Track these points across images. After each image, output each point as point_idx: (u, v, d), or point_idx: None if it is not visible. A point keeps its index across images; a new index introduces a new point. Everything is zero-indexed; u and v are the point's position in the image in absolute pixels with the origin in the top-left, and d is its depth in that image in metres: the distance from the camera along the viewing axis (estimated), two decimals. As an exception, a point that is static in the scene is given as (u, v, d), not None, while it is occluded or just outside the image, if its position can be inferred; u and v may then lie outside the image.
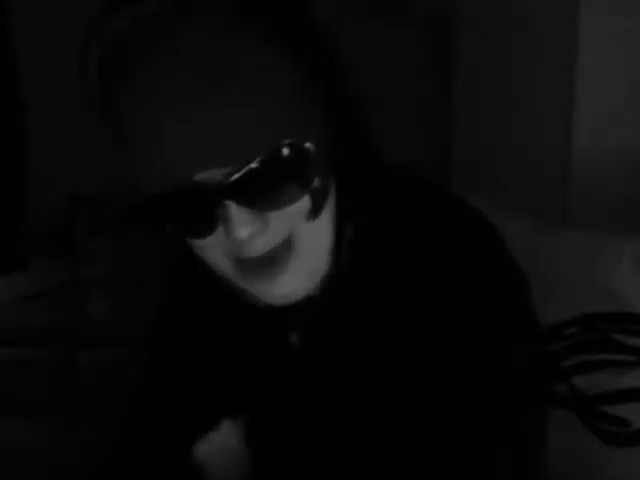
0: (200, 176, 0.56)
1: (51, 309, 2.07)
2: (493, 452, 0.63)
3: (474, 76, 2.06)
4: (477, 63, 2.03)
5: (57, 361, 1.91)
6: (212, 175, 0.56)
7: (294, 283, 0.62)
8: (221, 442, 0.74)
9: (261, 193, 0.57)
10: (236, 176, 0.56)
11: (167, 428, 0.78)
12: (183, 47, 0.55)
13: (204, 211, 0.58)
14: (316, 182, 0.60)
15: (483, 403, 0.63)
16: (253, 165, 0.56)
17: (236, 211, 0.57)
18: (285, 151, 0.57)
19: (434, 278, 0.64)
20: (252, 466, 0.74)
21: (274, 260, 0.60)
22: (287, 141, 0.57)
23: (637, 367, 1.20)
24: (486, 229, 0.66)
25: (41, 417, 1.71)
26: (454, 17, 2.15)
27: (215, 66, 0.55)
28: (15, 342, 1.98)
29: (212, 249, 0.61)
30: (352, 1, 2.39)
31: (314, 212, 0.61)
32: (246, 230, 0.57)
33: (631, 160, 1.59)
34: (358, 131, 0.64)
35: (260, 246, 0.59)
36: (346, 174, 0.63)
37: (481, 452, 0.63)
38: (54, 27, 2.25)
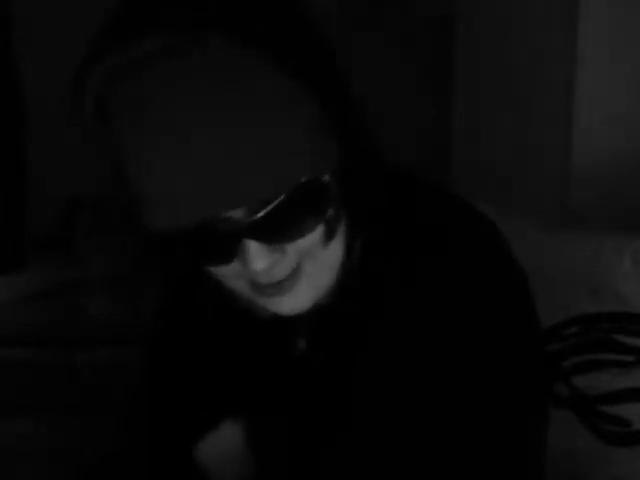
0: (220, 215, 0.56)
1: (51, 309, 2.08)
2: (493, 454, 0.63)
3: (474, 76, 2.06)
4: (477, 63, 2.03)
5: (57, 361, 1.91)
6: (232, 214, 0.56)
7: (305, 298, 0.63)
8: (223, 443, 0.74)
9: (280, 229, 0.58)
10: (257, 216, 0.56)
11: (168, 428, 0.78)
12: (191, 88, 0.53)
13: (222, 245, 0.58)
14: (331, 211, 0.60)
15: (484, 406, 0.62)
16: (274, 204, 0.56)
17: (255, 246, 0.57)
18: (304, 187, 0.57)
19: (437, 281, 0.64)
20: (254, 467, 0.74)
21: (287, 280, 0.61)
22: (306, 177, 0.56)
23: (637, 367, 1.21)
24: (488, 229, 0.66)
25: (41, 417, 1.71)
26: (454, 17, 2.15)
27: (230, 107, 0.53)
28: (15, 342, 1.98)
29: (225, 271, 0.61)
30: (352, 1, 2.39)
31: (328, 237, 0.61)
32: (264, 263, 0.57)
33: (631, 161, 1.59)
34: (370, 155, 0.64)
35: (277, 274, 0.60)
36: (358, 197, 0.63)
37: (482, 454, 0.63)
38: (55, 27, 2.25)
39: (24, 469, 1.56)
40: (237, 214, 0.56)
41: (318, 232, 0.60)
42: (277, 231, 0.57)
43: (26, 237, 2.23)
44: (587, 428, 1.15)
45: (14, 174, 2.19)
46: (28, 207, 2.22)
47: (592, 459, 1.13)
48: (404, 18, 2.40)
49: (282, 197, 0.56)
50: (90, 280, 2.17)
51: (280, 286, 0.61)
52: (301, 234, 0.59)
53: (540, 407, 0.68)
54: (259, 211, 0.56)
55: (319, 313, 0.66)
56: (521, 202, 1.79)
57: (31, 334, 2.01)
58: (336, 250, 0.63)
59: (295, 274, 0.61)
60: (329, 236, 0.61)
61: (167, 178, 0.54)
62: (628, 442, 1.13)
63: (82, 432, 1.60)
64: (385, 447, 0.64)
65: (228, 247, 0.58)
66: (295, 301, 0.62)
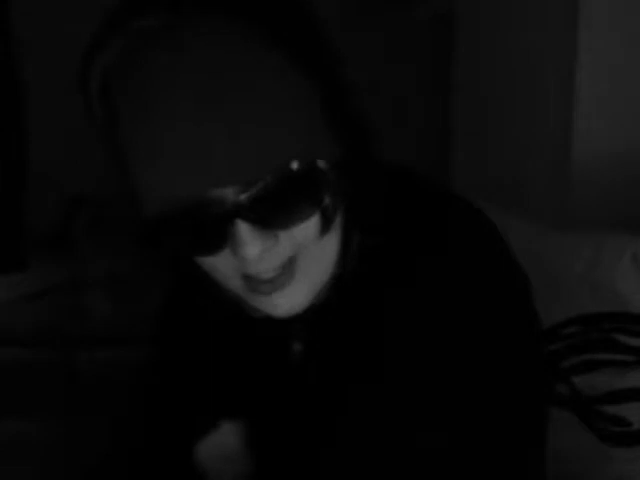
0: (210, 194, 0.55)
1: (51, 309, 2.08)
2: (494, 454, 0.63)
3: (474, 76, 2.06)
4: (477, 63, 2.03)
5: (57, 361, 1.91)
6: (222, 193, 0.56)
7: (299, 297, 0.62)
8: (222, 444, 0.74)
9: (272, 212, 0.57)
10: (247, 194, 0.55)
11: (167, 429, 0.78)
12: (188, 63, 0.53)
13: (214, 229, 0.57)
14: (327, 200, 0.59)
15: (485, 407, 0.62)
16: (264, 183, 0.55)
17: (246, 229, 0.56)
18: (297, 169, 0.56)
19: (437, 282, 0.63)
20: (252, 468, 0.74)
21: (280, 276, 0.60)
22: (299, 159, 0.56)
23: (637, 367, 1.20)
24: (488, 230, 0.66)
25: (41, 417, 1.72)
26: (454, 17, 2.15)
27: (224, 82, 0.53)
28: (15, 342, 1.98)
29: (219, 265, 0.60)
30: (352, 1, 2.39)
31: (324, 229, 0.60)
32: (255, 248, 0.56)
33: (631, 161, 1.59)
34: (367, 147, 0.64)
35: (269, 264, 0.59)
36: (356, 190, 0.63)
37: (482, 455, 0.63)
38: (55, 26, 2.25)
39: (23, 469, 1.56)
40: (228, 195, 0.56)
41: (313, 222, 0.59)
42: (268, 213, 0.56)
43: (26, 237, 2.23)
44: (587, 428, 1.15)
45: (14, 173, 2.19)
46: (28, 207, 2.22)
47: (592, 459, 1.12)
48: (404, 18, 2.40)
49: (271, 179, 0.55)
50: (90, 280, 2.17)
51: (274, 283, 0.60)
52: (294, 221, 0.58)
53: (540, 407, 0.68)
54: (247, 191, 0.55)
55: (315, 314, 0.65)
56: (521, 202, 1.79)
57: (31, 334, 2.01)
58: (331, 245, 0.62)
59: (289, 270, 0.60)
60: (324, 228, 0.60)
61: (158, 158, 0.54)
62: (628, 442, 1.13)
63: (82, 432, 1.60)
64: (384, 448, 0.64)
65: (219, 230, 0.57)
66: (291, 300, 0.61)
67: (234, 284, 0.62)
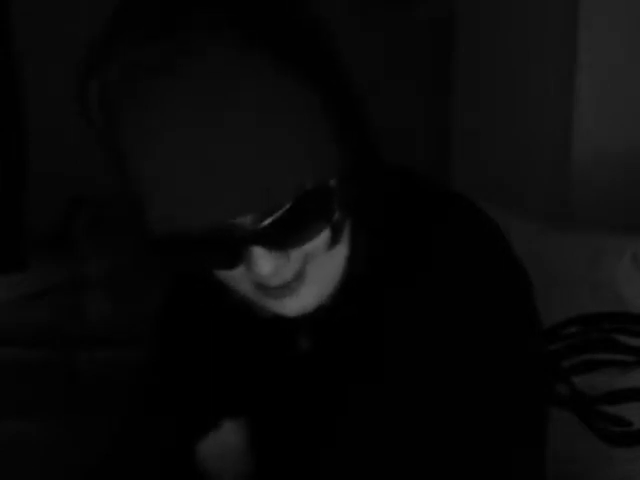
0: (225, 222, 0.56)
1: (51, 309, 2.07)
2: (494, 454, 0.63)
3: (474, 76, 2.06)
4: (477, 63, 2.03)
5: (57, 361, 1.91)
6: (238, 221, 0.56)
7: (309, 298, 0.62)
8: (223, 443, 0.74)
9: (286, 236, 0.57)
10: (264, 224, 0.56)
11: (167, 428, 0.78)
12: (195, 89, 0.53)
13: (227, 251, 0.58)
14: (336, 215, 0.60)
15: (486, 407, 0.63)
16: (280, 212, 0.56)
17: (261, 252, 0.57)
18: (311, 194, 0.56)
19: (440, 283, 0.64)
20: (254, 467, 0.74)
21: (292, 284, 0.61)
22: (313, 183, 0.56)
23: (637, 367, 1.20)
24: (489, 229, 0.66)
25: (41, 417, 1.71)
26: (454, 17, 2.15)
27: (235, 109, 0.53)
28: (15, 342, 1.98)
29: (228, 273, 0.61)
30: (352, 2, 2.39)
31: (334, 241, 0.61)
32: (270, 266, 0.57)
33: (631, 161, 1.59)
34: (375, 157, 0.64)
35: (281, 277, 0.60)
36: (363, 197, 0.63)
37: (482, 455, 0.63)
38: (55, 26, 2.25)
39: (23, 469, 1.56)
40: (244, 221, 0.56)
41: (323, 236, 0.60)
42: (283, 237, 0.57)
43: (26, 237, 2.23)
44: (587, 428, 1.15)
45: (14, 174, 2.19)
46: (28, 207, 2.22)
47: (592, 459, 1.12)
48: (404, 18, 2.40)
49: (288, 205, 0.56)
50: (90, 280, 2.17)
51: (285, 288, 0.61)
52: (307, 239, 0.59)
53: (541, 407, 0.68)
54: (266, 218, 0.56)
55: (323, 313, 0.66)
56: (521, 202, 1.79)
57: (31, 334, 2.00)
58: (340, 253, 0.63)
59: (300, 277, 0.61)
60: (334, 240, 0.61)
61: (174, 183, 0.54)
62: (628, 442, 1.13)
63: (81, 432, 1.60)
64: (385, 448, 0.64)
65: (234, 253, 0.58)
66: (300, 303, 0.62)
67: (244, 287, 0.62)
